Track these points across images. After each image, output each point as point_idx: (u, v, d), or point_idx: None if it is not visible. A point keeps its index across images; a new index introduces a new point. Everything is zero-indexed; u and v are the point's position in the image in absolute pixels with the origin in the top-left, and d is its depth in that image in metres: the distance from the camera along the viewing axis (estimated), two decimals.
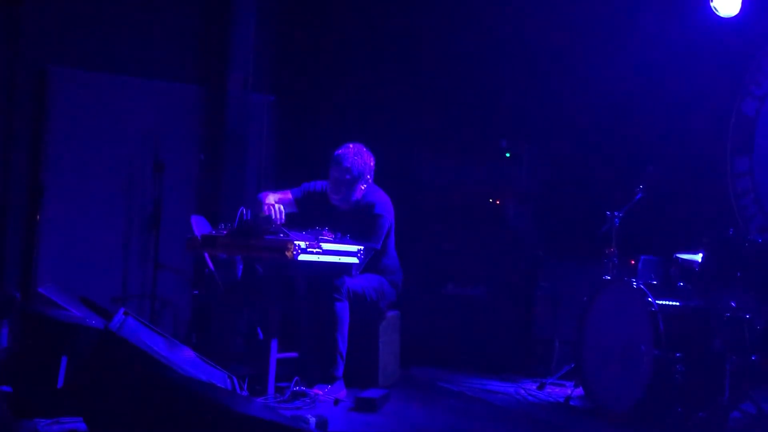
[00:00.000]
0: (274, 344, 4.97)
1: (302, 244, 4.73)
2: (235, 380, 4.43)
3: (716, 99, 6.43)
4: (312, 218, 5.32)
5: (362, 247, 5.10)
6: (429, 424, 4.78)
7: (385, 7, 7.41)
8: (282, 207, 5.21)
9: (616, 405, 4.97)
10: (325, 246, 4.88)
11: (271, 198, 5.44)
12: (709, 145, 6.51)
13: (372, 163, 5.59)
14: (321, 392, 4.99)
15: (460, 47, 7.21)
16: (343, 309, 5.20)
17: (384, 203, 5.59)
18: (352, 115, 7.25)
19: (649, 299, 4.89)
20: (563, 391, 5.64)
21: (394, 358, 5.76)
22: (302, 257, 4.74)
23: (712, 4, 6.10)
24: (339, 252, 4.98)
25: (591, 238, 5.79)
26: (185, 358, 4.25)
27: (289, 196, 5.66)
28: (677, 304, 5.02)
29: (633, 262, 5.64)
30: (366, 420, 4.68)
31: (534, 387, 5.84)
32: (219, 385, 4.14)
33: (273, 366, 4.95)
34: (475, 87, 7.17)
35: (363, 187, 5.54)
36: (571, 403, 5.37)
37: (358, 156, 5.50)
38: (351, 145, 5.55)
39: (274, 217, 5.07)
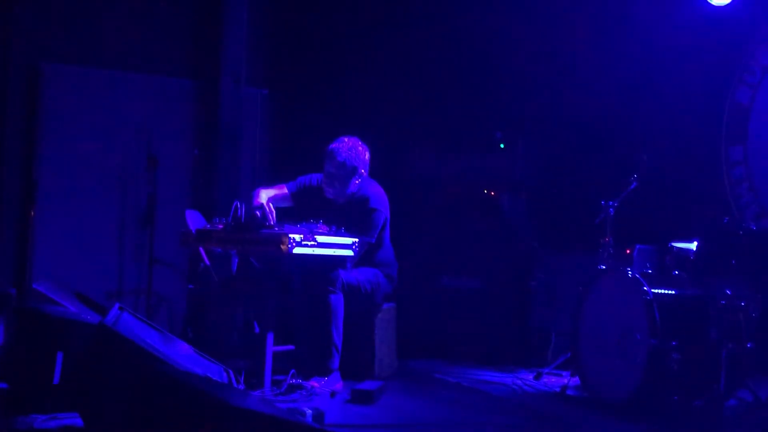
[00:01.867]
0: (270, 337, 4.98)
1: (297, 238, 4.74)
2: (232, 374, 4.43)
3: (710, 88, 6.43)
4: (308, 212, 5.31)
5: (357, 240, 5.10)
6: (426, 415, 4.78)
7: None
8: (273, 207, 5.16)
9: (612, 394, 4.98)
10: (320, 239, 4.88)
11: (264, 196, 5.41)
12: (703, 133, 6.51)
13: (367, 157, 5.57)
14: (317, 385, 4.99)
15: (453, 39, 7.20)
16: (338, 301, 5.20)
17: (379, 197, 5.58)
18: (345, 107, 7.24)
19: (645, 288, 4.89)
20: (560, 380, 5.64)
21: (390, 350, 5.77)
22: (297, 250, 4.74)
23: None
24: (334, 245, 4.98)
25: (586, 228, 5.79)
26: (181, 353, 4.24)
27: (285, 190, 5.66)
28: (673, 292, 5.02)
29: (628, 251, 5.64)
30: (362, 412, 4.68)
31: (531, 377, 5.85)
32: (215, 378, 4.14)
33: (269, 359, 4.95)
34: (470, 79, 7.16)
35: (357, 181, 5.53)
36: (568, 392, 5.37)
37: (353, 150, 5.48)
38: (346, 139, 5.54)
39: (267, 222, 5.01)
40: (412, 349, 6.29)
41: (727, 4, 6.10)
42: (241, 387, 4.66)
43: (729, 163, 6.49)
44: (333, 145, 5.50)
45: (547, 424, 4.81)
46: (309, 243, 4.81)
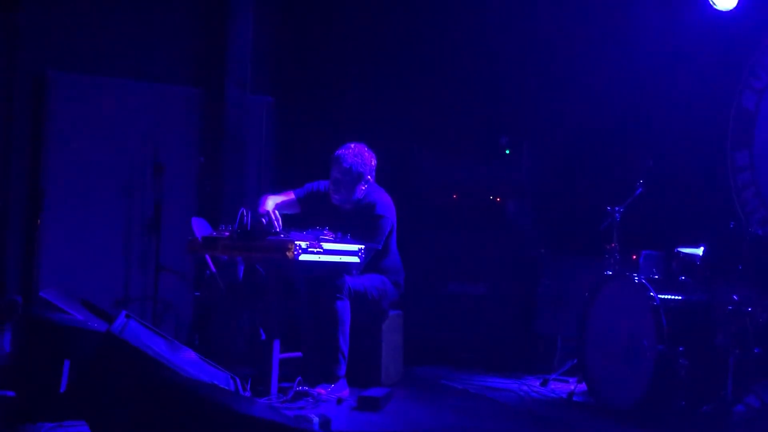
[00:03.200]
0: (276, 344, 4.98)
1: (303, 244, 4.73)
2: (238, 381, 4.43)
3: (716, 93, 6.42)
4: (314, 218, 5.32)
5: (363, 247, 5.09)
6: (432, 422, 4.78)
7: (384, 6, 7.41)
8: (278, 214, 5.16)
9: (619, 400, 4.97)
10: (326, 246, 4.88)
11: (270, 203, 5.42)
12: (709, 138, 6.50)
13: (373, 163, 5.58)
14: (324, 392, 4.99)
15: (458, 45, 7.21)
16: (344, 308, 5.20)
17: (385, 203, 5.58)
18: (351, 114, 7.25)
19: (651, 294, 4.88)
20: (566, 387, 5.64)
21: (397, 356, 5.76)
22: (303, 257, 4.74)
23: None
24: (340, 251, 4.98)
25: (592, 234, 5.78)
26: (187, 360, 4.25)
27: (293, 196, 5.67)
28: (679, 298, 5.02)
29: (634, 257, 5.64)
30: (369, 419, 4.68)
31: (537, 383, 5.84)
32: (222, 386, 4.14)
33: (275, 366, 4.95)
34: (475, 85, 7.17)
35: (364, 188, 5.53)
36: (575, 399, 5.36)
37: (359, 156, 5.49)
38: (352, 145, 5.54)
39: (273, 229, 5.02)
40: (419, 356, 6.29)
41: (733, 9, 6.09)
42: (248, 394, 4.66)
43: (735, 169, 6.48)
44: (339, 151, 5.51)
45: (553, 431, 4.80)
46: (315, 250, 4.80)
